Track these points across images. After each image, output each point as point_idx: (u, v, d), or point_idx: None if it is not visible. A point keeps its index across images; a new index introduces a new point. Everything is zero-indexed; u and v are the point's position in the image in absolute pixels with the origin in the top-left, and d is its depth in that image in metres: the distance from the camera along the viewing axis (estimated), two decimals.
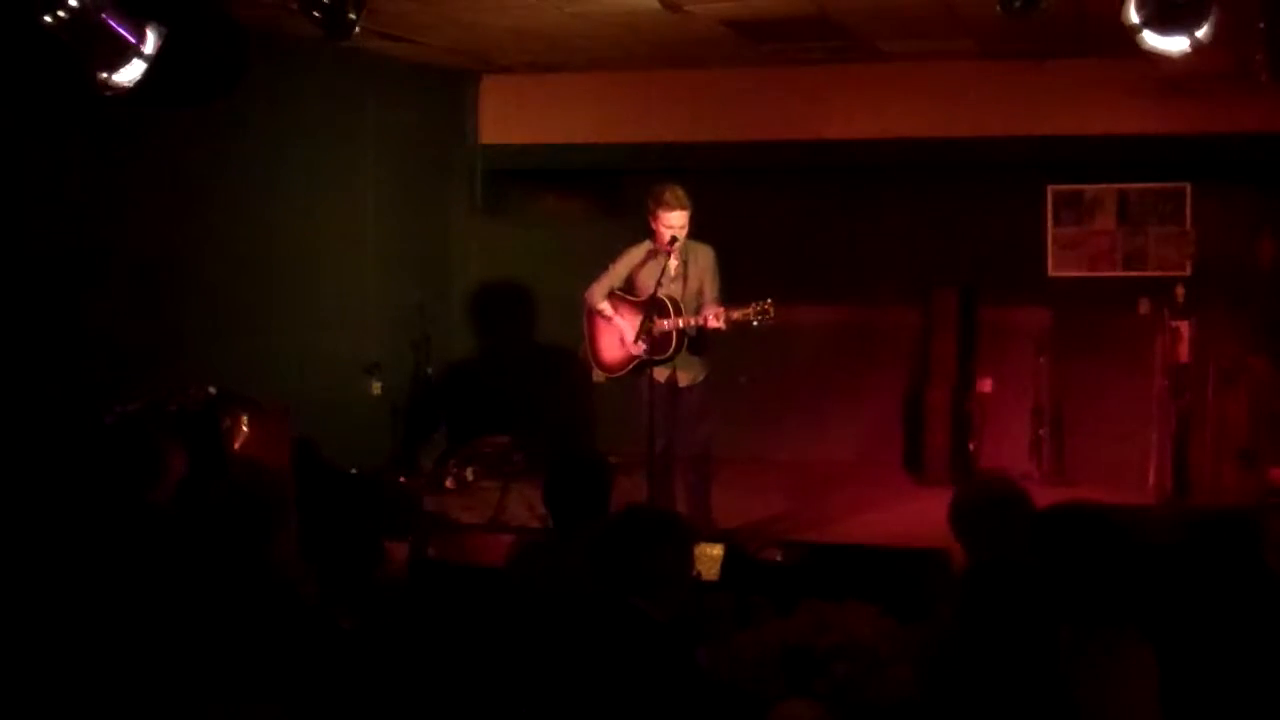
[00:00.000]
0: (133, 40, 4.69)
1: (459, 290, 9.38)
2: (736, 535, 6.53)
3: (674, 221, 6.43)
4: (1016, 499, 3.63)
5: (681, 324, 6.52)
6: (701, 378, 6.72)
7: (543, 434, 8.57)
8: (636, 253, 6.70)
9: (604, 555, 3.31)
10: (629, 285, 6.73)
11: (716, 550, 6.33)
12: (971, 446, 8.73)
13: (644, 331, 6.36)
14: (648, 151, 8.87)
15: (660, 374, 6.61)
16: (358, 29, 5.36)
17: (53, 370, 5.83)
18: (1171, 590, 3.33)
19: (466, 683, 3.51)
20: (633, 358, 6.61)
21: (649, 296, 6.50)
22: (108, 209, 6.28)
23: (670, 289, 6.53)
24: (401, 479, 7.93)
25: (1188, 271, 8.41)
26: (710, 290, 6.61)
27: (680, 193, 6.45)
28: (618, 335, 6.72)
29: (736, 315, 6.37)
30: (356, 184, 8.26)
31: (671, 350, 6.55)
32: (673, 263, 6.53)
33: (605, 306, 6.74)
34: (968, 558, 3.66)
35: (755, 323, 6.33)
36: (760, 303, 6.29)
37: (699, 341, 6.62)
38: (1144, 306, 8.36)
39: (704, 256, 6.63)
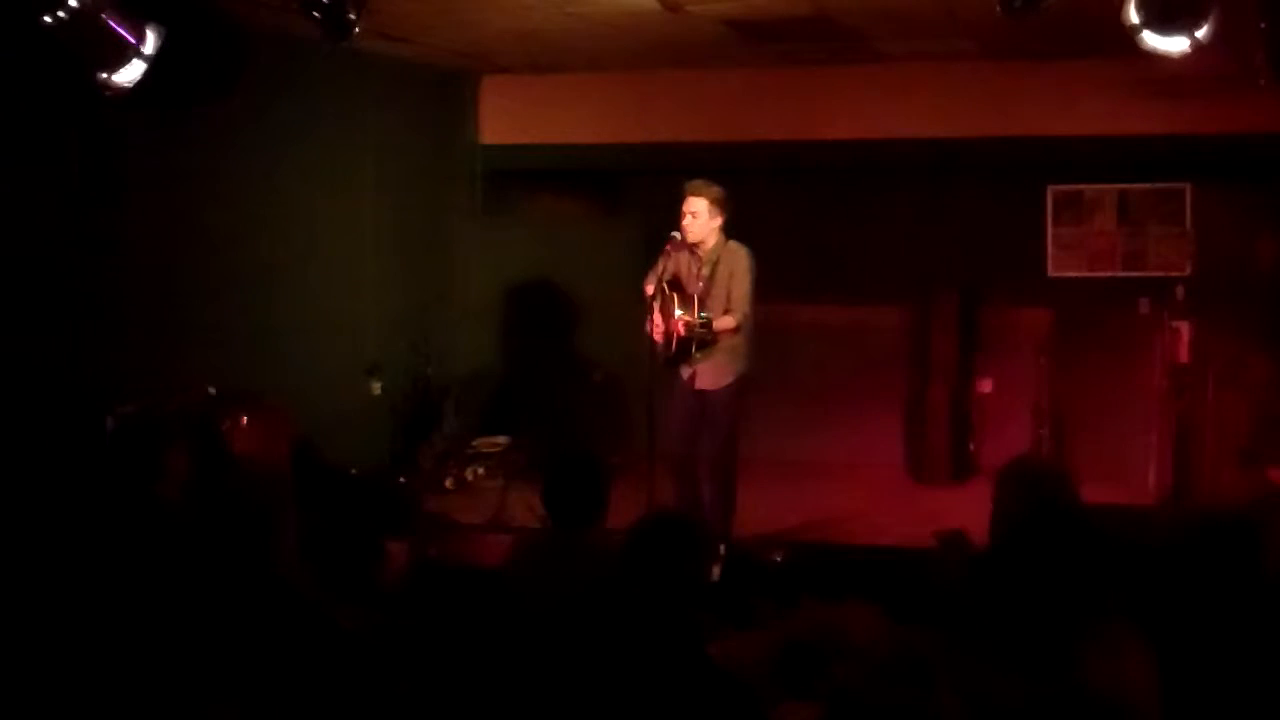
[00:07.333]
0: (133, 40, 4.69)
1: (459, 290, 9.37)
2: (737, 535, 6.54)
3: (687, 206, 6.46)
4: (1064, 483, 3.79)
5: (672, 324, 6.48)
6: (726, 382, 6.53)
7: (542, 434, 8.57)
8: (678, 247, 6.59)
9: (628, 558, 3.35)
10: (675, 280, 6.61)
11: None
12: (971, 446, 8.75)
13: (658, 316, 6.46)
14: (648, 151, 8.87)
15: (685, 373, 6.58)
16: (357, 29, 5.36)
17: (53, 371, 5.83)
18: (1170, 591, 3.33)
19: (467, 683, 3.51)
20: (663, 344, 6.55)
21: (658, 289, 6.49)
22: (107, 209, 6.28)
23: (697, 287, 6.49)
24: (401, 479, 7.93)
25: (1188, 271, 8.41)
26: (736, 294, 6.45)
27: (701, 182, 6.49)
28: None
29: (683, 323, 6.41)
30: (356, 184, 8.26)
31: (675, 347, 6.52)
32: (696, 260, 6.52)
33: (649, 290, 6.60)
34: (994, 524, 3.73)
35: (695, 332, 6.36)
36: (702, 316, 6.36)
37: (710, 343, 6.46)
38: (1144, 306, 8.37)
39: (736, 260, 6.49)
